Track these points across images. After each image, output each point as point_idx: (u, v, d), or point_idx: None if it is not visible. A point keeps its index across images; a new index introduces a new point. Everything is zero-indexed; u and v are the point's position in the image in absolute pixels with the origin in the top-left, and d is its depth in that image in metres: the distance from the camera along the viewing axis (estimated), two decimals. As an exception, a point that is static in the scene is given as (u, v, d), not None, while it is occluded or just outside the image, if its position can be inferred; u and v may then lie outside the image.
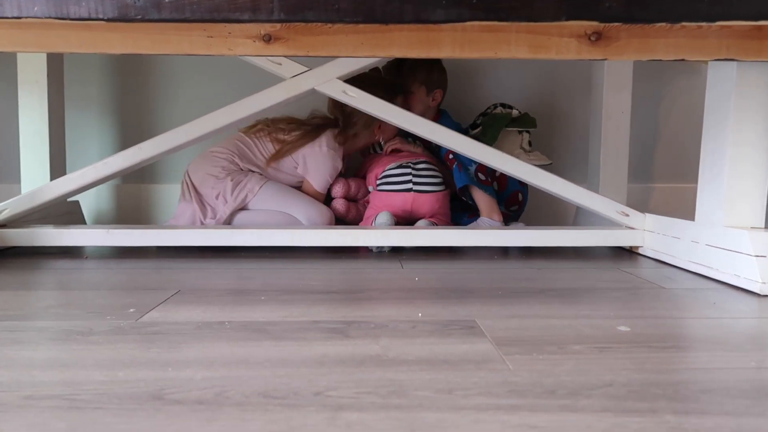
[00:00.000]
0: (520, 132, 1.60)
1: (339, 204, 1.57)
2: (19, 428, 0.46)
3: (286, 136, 1.51)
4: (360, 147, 1.63)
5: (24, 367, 0.60)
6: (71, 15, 0.88)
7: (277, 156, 1.51)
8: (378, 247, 1.39)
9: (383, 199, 1.48)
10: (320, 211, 1.46)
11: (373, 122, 1.55)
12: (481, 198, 1.49)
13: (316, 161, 1.51)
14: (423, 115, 1.56)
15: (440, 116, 1.63)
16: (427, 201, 1.48)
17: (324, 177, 1.52)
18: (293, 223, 1.44)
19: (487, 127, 1.58)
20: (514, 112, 1.61)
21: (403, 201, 1.47)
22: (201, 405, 0.51)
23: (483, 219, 1.49)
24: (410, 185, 1.46)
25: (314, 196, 1.53)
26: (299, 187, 1.56)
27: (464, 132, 1.62)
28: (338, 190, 1.59)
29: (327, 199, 1.58)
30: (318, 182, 1.52)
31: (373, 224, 1.42)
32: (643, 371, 0.60)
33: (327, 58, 1.11)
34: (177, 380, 0.56)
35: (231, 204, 1.44)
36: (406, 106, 1.54)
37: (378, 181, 1.51)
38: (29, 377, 0.57)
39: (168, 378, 0.57)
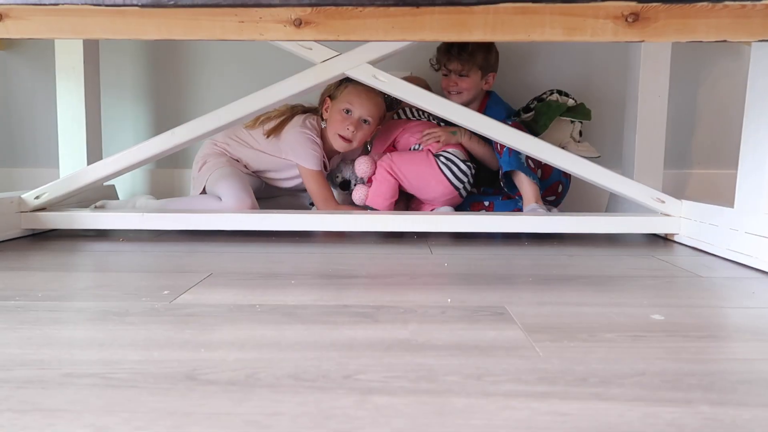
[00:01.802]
0: (572, 121, 1.57)
1: (361, 191, 1.53)
2: (59, 404, 0.48)
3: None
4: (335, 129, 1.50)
5: (64, 345, 0.62)
6: (106, 1, 0.89)
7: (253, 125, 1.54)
8: None
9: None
10: (238, 196, 1.41)
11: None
12: (528, 185, 1.46)
13: (290, 142, 1.50)
14: (473, 99, 1.55)
15: (488, 98, 1.60)
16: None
17: (307, 153, 1.48)
18: (216, 205, 1.43)
19: (540, 114, 1.55)
20: (570, 102, 1.57)
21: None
22: (233, 386, 0.51)
23: (533, 205, 1.45)
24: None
25: (313, 177, 1.49)
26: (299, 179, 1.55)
27: (515, 114, 1.60)
28: (365, 170, 1.52)
29: (334, 188, 1.57)
30: (304, 161, 1.49)
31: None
32: (678, 361, 0.59)
33: (357, 42, 1.11)
34: (210, 361, 0.57)
35: (200, 184, 1.51)
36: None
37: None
38: (69, 355, 0.59)
39: (201, 359, 0.58)
